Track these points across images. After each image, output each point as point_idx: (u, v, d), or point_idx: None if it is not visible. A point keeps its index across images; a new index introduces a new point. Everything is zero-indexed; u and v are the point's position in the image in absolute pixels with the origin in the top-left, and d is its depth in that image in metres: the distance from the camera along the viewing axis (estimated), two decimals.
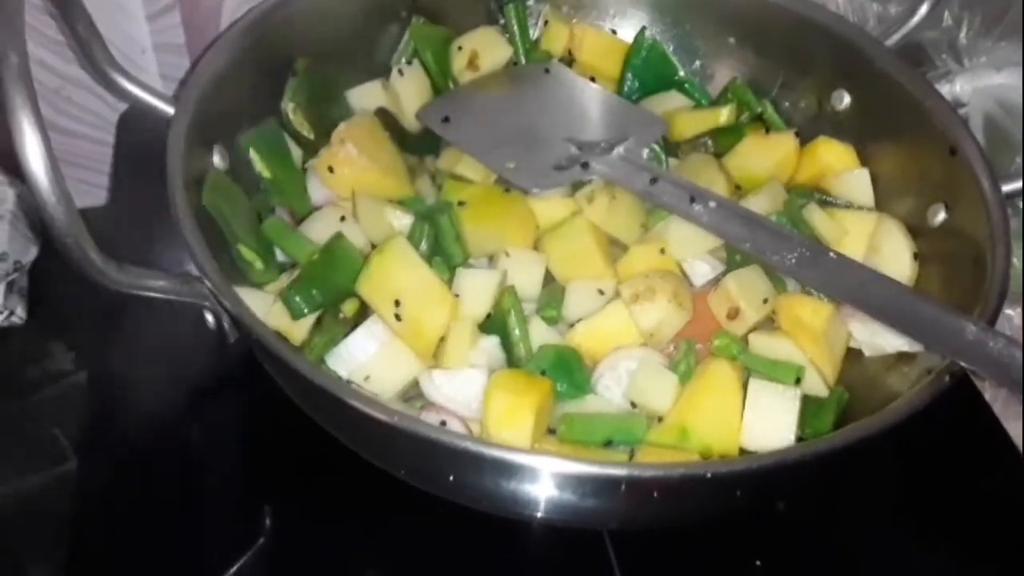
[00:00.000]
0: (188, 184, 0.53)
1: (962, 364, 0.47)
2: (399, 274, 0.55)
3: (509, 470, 0.43)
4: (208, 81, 0.58)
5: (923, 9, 0.67)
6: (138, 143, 0.75)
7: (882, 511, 0.60)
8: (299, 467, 0.58)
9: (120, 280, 0.45)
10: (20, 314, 0.77)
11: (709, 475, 0.43)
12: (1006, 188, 0.58)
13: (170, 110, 0.56)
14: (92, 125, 0.82)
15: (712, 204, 0.58)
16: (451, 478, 0.46)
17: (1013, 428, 0.65)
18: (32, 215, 0.77)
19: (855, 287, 0.52)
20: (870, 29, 0.79)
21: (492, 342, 0.57)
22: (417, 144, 0.67)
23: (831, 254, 0.54)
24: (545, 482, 0.45)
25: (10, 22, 0.41)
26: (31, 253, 0.77)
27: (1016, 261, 0.70)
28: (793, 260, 0.54)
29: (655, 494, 0.45)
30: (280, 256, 0.60)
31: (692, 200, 0.59)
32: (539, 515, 0.48)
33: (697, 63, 0.75)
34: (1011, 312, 0.72)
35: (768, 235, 0.56)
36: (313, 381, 0.44)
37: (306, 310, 0.55)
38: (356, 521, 0.56)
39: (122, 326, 0.66)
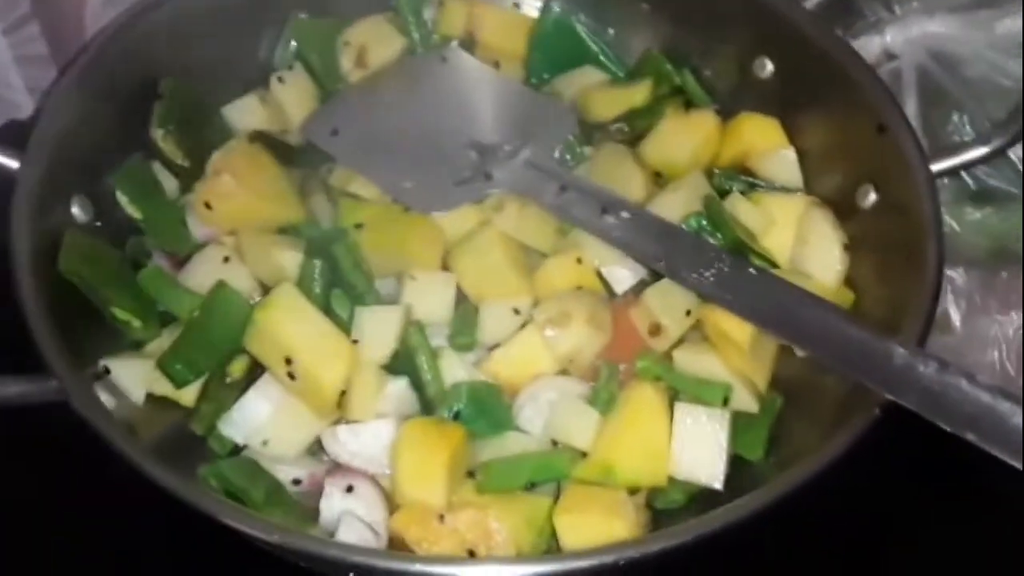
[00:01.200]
0: (39, 253, 0.47)
1: (888, 396, 0.43)
2: (288, 328, 0.50)
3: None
4: (58, 123, 0.52)
5: None
6: None
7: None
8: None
9: None
10: None
11: (621, 562, 0.39)
12: (938, 167, 0.54)
13: (12, 163, 0.50)
14: None
15: (625, 215, 0.54)
16: None
17: None
18: None
19: (776, 311, 0.48)
20: None
21: (401, 385, 0.53)
22: (306, 158, 0.62)
23: (751, 270, 0.50)
24: None
25: None
26: None
27: (956, 226, 0.66)
28: (711, 279, 0.50)
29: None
30: (161, 307, 0.55)
31: (603, 211, 0.54)
32: None
33: (610, 31, 0.69)
34: (953, 274, 0.69)
35: (684, 248, 0.52)
36: (183, 498, 0.40)
37: (189, 378, 0.50)
38: None
39: None
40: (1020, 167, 0.63)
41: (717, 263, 0.50)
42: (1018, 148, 0.64)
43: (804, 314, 0.47)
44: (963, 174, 0.65)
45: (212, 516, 0.39)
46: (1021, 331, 0.70)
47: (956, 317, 0.70)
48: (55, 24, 0.71)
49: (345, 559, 0.39)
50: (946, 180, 0.66)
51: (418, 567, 0.39)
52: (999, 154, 0.55)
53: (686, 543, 0.40)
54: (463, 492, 0.50)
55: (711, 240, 0.55)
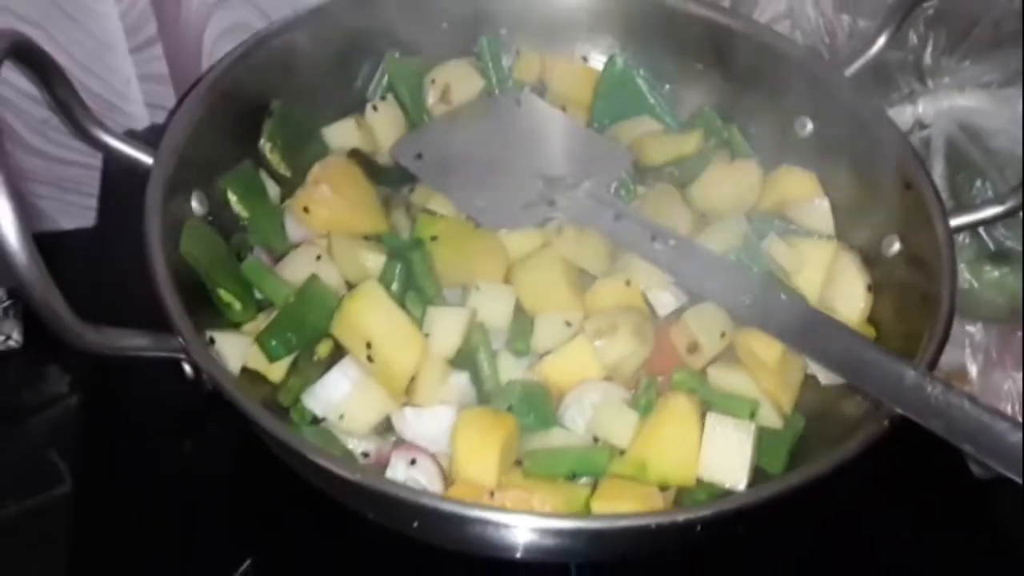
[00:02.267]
0: (166, 235, 0.55)
1: (898, 411, 0.49)
2: (370, 317, 0.57)
3: (462, 521, 0.46)
4: (184, 131, 0.60)
5: (882, 39, 0.69)
6: (124, 170, 0.77)
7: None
8: (282, 501, 0.61)
9: (96, 342, 0.47)
10: (17, 338, 0.80)
11: (654, 526, 0.45)
12: (956, 222, 0.60)
13: (148, 160, 0.58)
14: (80, 151, 0.84)
15: (671, 242, 0.61)
16: (415, 525, 0.49)
17: None
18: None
19: (803, 332, 0.54)
20: (840, 44, 0.80)
21: (462, 378, 0.59)
22: (392, 176, 0.69)
23: (782, 296, 0.56)
24: (501, 529, 0.47)
25: None
26: None
27: (975, 283, 0.72)
28: (747, 302, 0.57)
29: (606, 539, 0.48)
30: (259, 294, 0.62)
31: (653, 238, 0.61)
32: (502, 554, 0.51)
33: (667, 87, 0.76)
34: (971, 328, 0.74)
35: (722, 274, 0.58)
36: (276, 437, 0.47)
37: (282, 353, 0.57)
38: (335, 562, 0.58)
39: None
40: None
41: (751, 290, 0.57)
42: None
43: (828, 337, 0.53)
44: (983, 235, 0.71)
45: (305, 455, 0.46)
46: None
47: (973, 370, 0.75)
48: (176, 48, 0.80)
49: (416, 501, 0.45)
50: (967, 239, 0.72)
51: (478, 512, 0.45)
52: (1012, 214, 0.61)
53: (706, 517, 0.46)
54: (511, 476, 0.56)
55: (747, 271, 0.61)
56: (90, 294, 0.56)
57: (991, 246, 0.71)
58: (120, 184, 0.76)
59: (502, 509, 0.50)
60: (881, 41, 0.69)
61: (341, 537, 0.58)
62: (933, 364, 0.52)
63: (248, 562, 0.58)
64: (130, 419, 0.67)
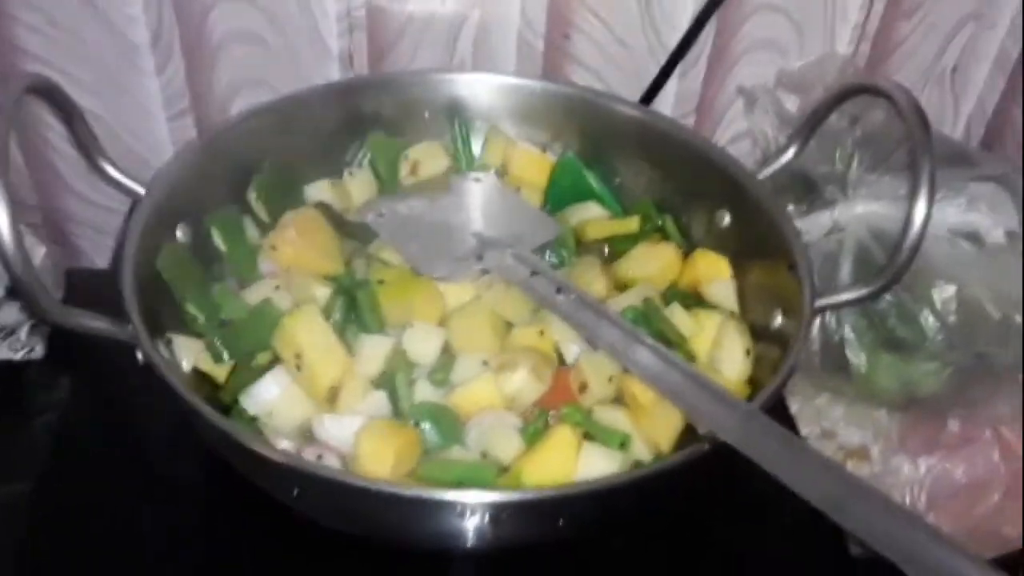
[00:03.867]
0: (144, 248, 0.67)
1: (722, 438, 0.56)
2: (303, 332, 0.67)
3: (328, 486, 0.55)
4: (178, 170, 0.72)
5: (791, 151, 0.78)
6: None
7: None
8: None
9: (60, 316, 0.59)
10: (39, 351, 0.93)
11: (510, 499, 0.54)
12: (820, 302, 0.68)
13: (140, 190, 0.70)
14: (117, 199, 0.98)
15: (572, 296, 0.70)
16: (295, 492, 0.58)
17: None
18: (57, 269, 0.93)
19: (660, 372, 0.62)
20: (772, 153, 0.90)
21: (380, 396, 0.68)
22: (358, 232, 0.81)
23: (648, 341, 0.65)
24: (385, 505, 0.56)
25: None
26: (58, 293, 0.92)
27: (873, 369, 0.79)
28: (620, 347, 0.65)
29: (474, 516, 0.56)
30: (225, 316, 0.73)
31: (558, 291, 0.71)
32: (393, 538, 0.59)
33: (617, 180, 0.87)
34: (877, 414, 0.80)
35: (606, 325, 0.67)
36: (188, 403, 0.57)
37: (225, 356, 0.68)
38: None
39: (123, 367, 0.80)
40: (923, 323, 0.76)
41: (627, 337, 0.65)
42: (925, 308, 0.78)
43: (674, 371, 0.61)
44: (878, 323, 0.78)
45: (241, 443, 0.56)
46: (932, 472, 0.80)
47: (875, 451, 0.81)
48: (205, 118, 0.95)
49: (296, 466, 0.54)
50: (865, 322, 0.79)
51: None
52: (875, 296, 0.68)
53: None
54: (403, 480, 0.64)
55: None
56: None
57: (885, 334, 0.78)
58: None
59: (373, 480, 0.58)
60: (791, 152, 0.79)
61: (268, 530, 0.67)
62: (766, 404, 0.59)
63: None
64: (126, 427, 0.77)
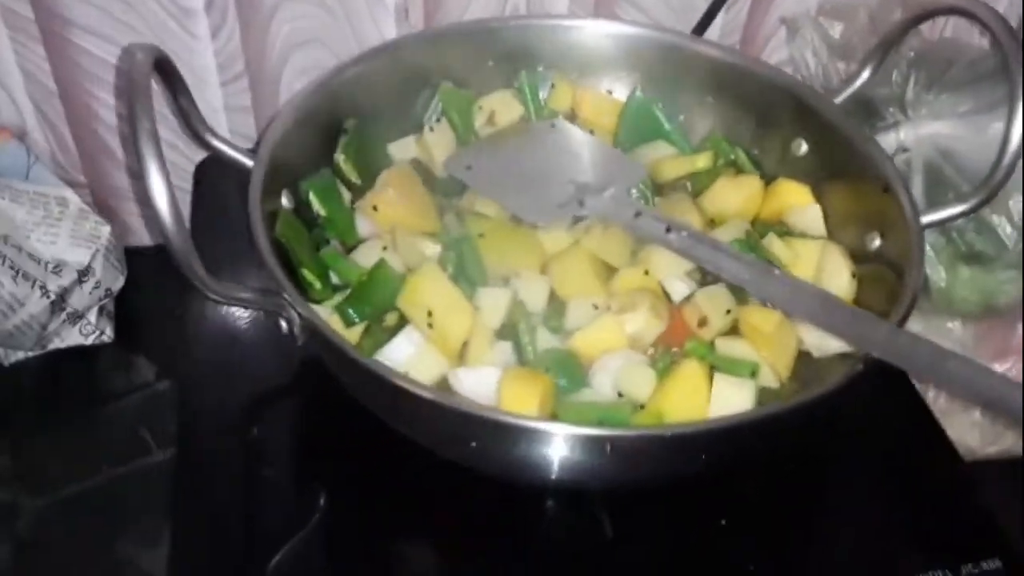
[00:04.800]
0: (264, 220, 0.67)
1: (875, 355, 0.59)
2: (430, 292, 0.68)
3: (514, 432, 0.56)
4: (277, 140, 0.72)
5: (865, 74, 0.80)
6: (212, 188, 0.90)
7: (835, 490, 0.73)
8: (348, 456, 0.71)
9: (218, 291, 0.59)
10: (109, 333, 0.92)
11: (669, 435, 0.56)
12: (926, 219, 0.71)
13: (249, 163, 0.70)
14: (173, 176, 0.97)
15: (684, 234, 0.72)
16: (473, 444, 0.59)
17: (949, 426, 0.76)
18: (120, 249, 0.92)
19: (794, 298, 0.65)
20: (835, 86, 0.92)
21: (506, 346, 0.70)
22: (445, 187, 0.81)
23: (776, 271, 0.67)
24: (547, 443, 0.57)
25: (145, 97, 0.55)
26: (119, 282, 0.92)
27: (951, 282, 0.82)
28: (747, 277, 0.67)
29: (630, 454, 0.58)
30: (334, 279, 0.74)
31: (668, 230, 0.72)
32: (541, 477, 0.61)
33: (681, 117, 0.88)
34: (951, 325, 0.84)
35: (727, 258, 0.69)
36: (364, 365, 0.58)
37: (357, 320, 0.68)
38: (399, 497, 0.69)
39: (198, 344, 0.80)
40: (1001, 234, 0.80)
41: (752, 268, 0.68)
42: (1003, 218, 0.81)
43: (814, 302, 0.64)
44: (957, 239, 0.82)
45: (389, 379, 0.57)
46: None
47: None
48: (259, 82, 0.93)
49: (479, 415, 0.56)
50: (945, 242, 0.83)
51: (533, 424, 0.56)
52: (974, 211, 0.71)
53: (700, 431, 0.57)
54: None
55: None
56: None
57: (964, 249, 0.81)
58: (207, 203, 0.90)
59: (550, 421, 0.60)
60: (865, 75, 0.81)
61: (410, 482, 0.69)
62: (903, 321, 0.62)
63: (322, 501, 0.68)
64: (211, 400, 0.77)
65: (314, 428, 0.75)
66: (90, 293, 0.89)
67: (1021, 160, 0.68)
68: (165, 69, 0.64)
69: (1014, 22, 1.09)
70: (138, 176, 0.97)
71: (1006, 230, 0.79)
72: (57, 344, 0.90)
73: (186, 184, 0.94)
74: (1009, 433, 0.83)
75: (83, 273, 0.87)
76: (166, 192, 0.54)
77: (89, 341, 0.91)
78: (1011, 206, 0.79)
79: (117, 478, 0.83)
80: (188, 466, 0.72)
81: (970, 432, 0.81)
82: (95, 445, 0.86)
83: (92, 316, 0.91)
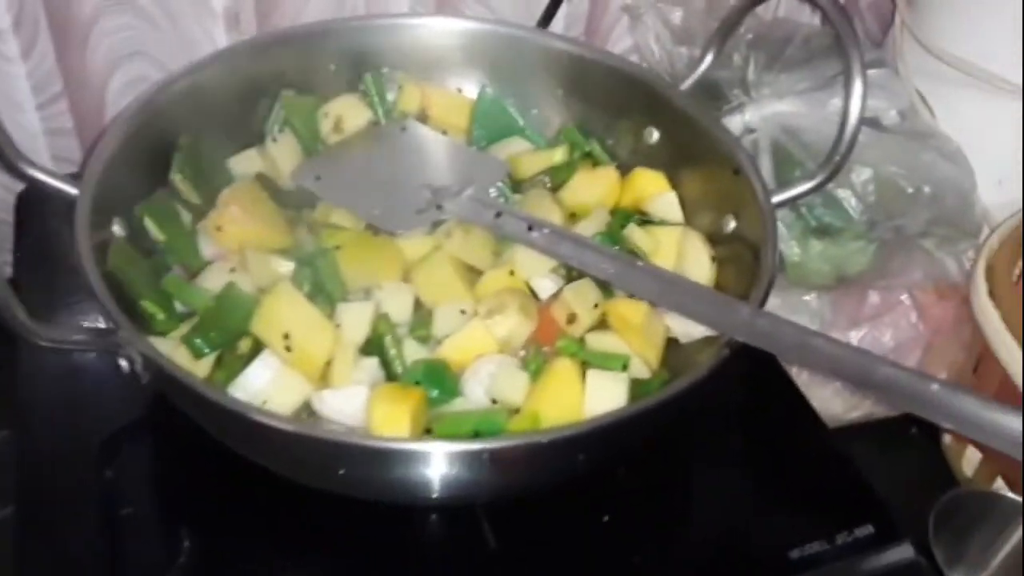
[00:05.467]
0: (94, 252, 0.61)
1: (738, 339, 0.59)
2: (286, 312, 0.64)
3: (382, 457, 0.54)
4: (104, 164, 0.66)
5: (708, 59, 0.81)
6: (36, 220, 0.83)
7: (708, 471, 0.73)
8: (211, 490, 0.67)
9: (47, 336, 0.54)
10: None
11: (546, 441, 0.54)
12: (776, 198, 0.72)
13: (73, 191, 0.65)
14: None
15: (546, 231, 0.71)
16: (341, 472, 0.56)
17: (813, 397, 0.78)
18: None
19: (657, 289, 0.65)
20: (679, 71, 0.93)
21: (372, 362, 0.67)
22: (295, 200, 0.77)
23: (639, 263, 0.67)
24: (417, 463, 0.55)
25: None
26: None
27: (804, 255, 0.84)
28: (612, 271, 0.67)
29: (511, 462, 0.56)
30: (180, 307, 0.69)
31: (530, 228, 0.71)
32: (420, 497, 0.58)
33: (534, 111, 0.87)
34: (807, 298, 0.86)
35: (591, 252, 0.68)
36: (219, 403, 0.54)
37: (206, 350, 0.64)
38: (267, 530, 0.65)
39: (39, 387, 0.74)
40: (847, 207, 0.82)
41: (615, 261, 0.67)
42: (848, 191, 0.84)
43: (677, 290, 0.64)
44: (805, 213, 0.84)
45: (243, 415, 0.53)
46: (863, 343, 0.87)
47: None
48: (80, 102, 0.86)
49: (347, 441, 0.53)
50: (795, 218, 0.85)
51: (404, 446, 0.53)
52: (820, 188, 0.73)
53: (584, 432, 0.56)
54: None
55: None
56: None
57: (813, 223, 0.83)
58: (33, 236, 0.82)
59: (422, 440, 0.58)
60: (707, 60, 0.82)
61: (276, 514, 0.65)
62: (763, 302, 0.63)
63: (185, 544, 0.63)
64: (57, 445, 0.71)
65: (173, 464, 0.70)
66: None
67: (859, 135, 0.70)
68: None
69: None
70: None
71: (851, 203, 0.82)
72: None
73: (9, 216, 0.86)
74: None
75: None
76: None
77: None
78: (854, 179, 0.82)
79: None
80: (31, 521, 0.66)
81: (832, 400, 0.83)
82: None
83: None
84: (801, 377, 0.81)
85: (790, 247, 0.84)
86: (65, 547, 0.64)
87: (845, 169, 0.79)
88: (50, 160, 0.89)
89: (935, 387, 0.52)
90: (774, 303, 0.87)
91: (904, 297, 0.88)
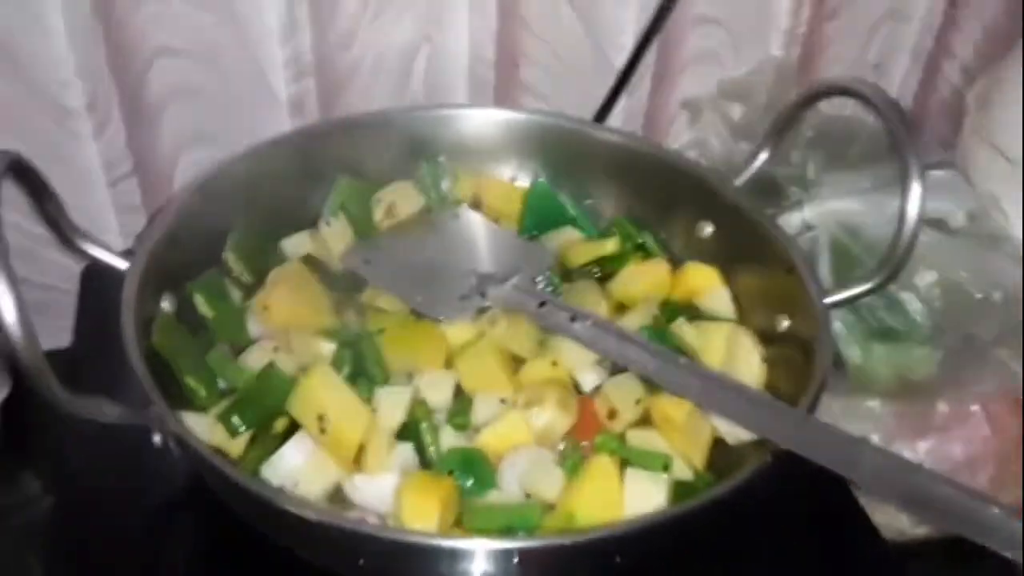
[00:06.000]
0: (140, 327, 0.62)
1: (783, 447, 0.57)
2: (323, 393, 0.64)
3: (407, 551, 0.52)
4: (156, 240, 0.68)
5: (763, 155, 0.80)
6: (99, 293, 0.85)
7: None
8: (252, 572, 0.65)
9: (78, 407, 0.54)
10: None
11: (569, 543, 0.52)
12: (830, 299, 0.69)
13: (124, 266, 0.66)
14: (59, 278, 0.92)
15: (589, 323, 0.69)
16: (361, 562, 0.54)
17: (877, 517, 0.74)
18: (4, 356, 0.86)
19: (700, 389, 0.62)
20: (739, 167, 0.92)
21: (407, 448, 0.66)
22: (343, 282, 0.78)
23: (682, 361, 0.65)
24: (447, 560, 0.53)
25: None
26: (3, 391, 0.85)
27: (866, 359, 0.81)
28: (653, 368, 0.65)
29: (540, 563, 0.54)
30: (222, 384, 0.69)
31: (573, 319, 0.70)
32: None
33: (588, 201, 0.87)
34: (872, 404, 0.82)
35: (633, 347, 0.67)
36: (243, 487, 0.53)
37: (242, 428, 0.64)
38: None
39: (85, 455, 0.74)
40: (909, 310, 0.79)
41: (657, 357, 0.65)
42: (911, 294, 0.81)
43: (718, 388, 0.61)
44: (867, 315, 0.81)
45: (263, 496, 0.52)
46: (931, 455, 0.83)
47: (876, 441, 0.83)
48: (149, 180, 0.89)
49: (372, 534, 0.51)
50: (856, 321, 0.82)
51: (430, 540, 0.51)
52: (878, 289, 0.70)
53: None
54: (453, 532, 0.62)
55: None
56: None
57: (875, 325, 0.80)
58: (94, 309, 0.85)
59: (453, 537, 0.56)
60: (763, 156, 0.81)
61: None
62: (813, 407, 0.60)
63: None
64: (98, 520, 0.71)
65: (209, 547, 0.69)
66: None
67: (919, 236, 0.67)
68: (26, 175, 0.60)
69: (907, 101, 1.12)
70: (25, 282, 0.92)
71: (915, 306, 0.79)
72: None
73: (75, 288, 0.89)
74: None
75: None
76: (13, 305, 0.49)
77: None
78: (916, 282, 0.79)
79: None
80: None
81: (897, 514, 0.78)
82: None
83: None
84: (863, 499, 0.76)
85: (851, 349, 0.81)
86: None
87: (908, 272, 0.76)
88: (119, 235, 0.92)
89: (995, 512, 0.48)
90: (835, 409, 0.84)
91: (976, 408, 0.83)
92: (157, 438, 0.58)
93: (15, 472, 0.83)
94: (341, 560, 0.57)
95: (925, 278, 0.79)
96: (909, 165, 0.67)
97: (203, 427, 0.64)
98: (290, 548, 0.59)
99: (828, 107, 0.94)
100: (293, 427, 0.65)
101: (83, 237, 0.66)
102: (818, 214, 0.86)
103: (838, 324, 0.81)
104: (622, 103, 0.98)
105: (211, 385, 0.67)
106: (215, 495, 0.60)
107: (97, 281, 0.86)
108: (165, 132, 0.87)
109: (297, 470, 0.63)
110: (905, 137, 0.68)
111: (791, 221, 0.87)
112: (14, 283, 0.50)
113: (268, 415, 0.65)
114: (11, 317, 0.49)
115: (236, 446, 0.64)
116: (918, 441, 0.83)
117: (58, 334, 0.93)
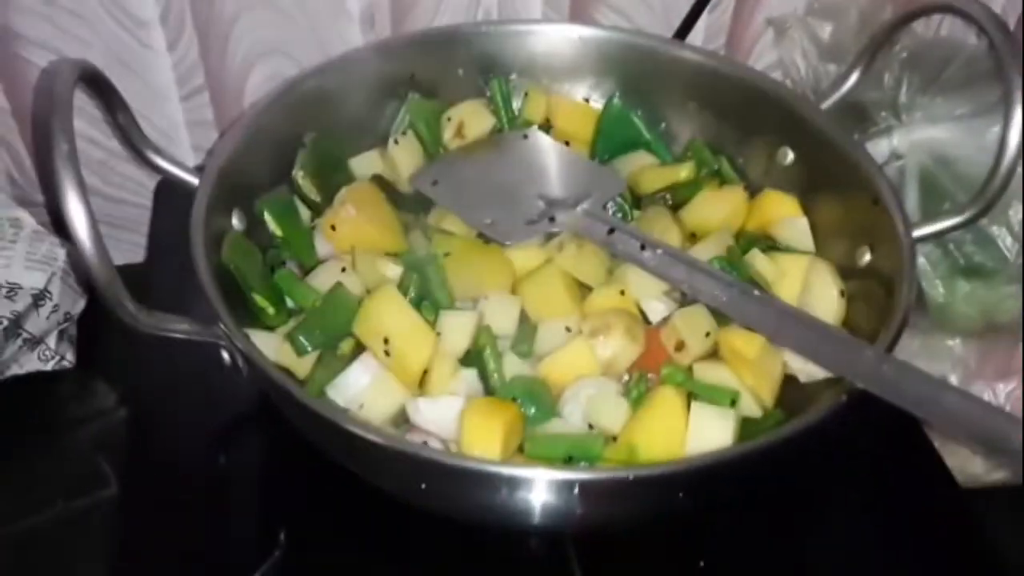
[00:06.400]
0: (209, 244, 0.62)
1: (859, 385, 0.54)
2: (387, 316, 0.64)
3: (469, 477, 0.52)
4: (227, 156, 0.68)
5: (853, 77, 0.76)
6: (171, 208, 0.86)
7: (825, 523, 0.68)
8: (315, 490, 0.66)
9: (148, 323, 0.55)
10: (70, 359, 0.88)
11: (631, 477, 0.51)
12: (918, 232, 0.66)
13: (195, 181, 0.66)
14: (133, 192, 0.93)
15: (659, 251, 0.67)
16: (423, 486, 0.55)
17: (951, 454, 0.72)
18: (80, 271, 0.88)
19: (774, 323, 0.60)
20: (825, 89, 0.88)
21: (471, 374, 0.65)
22: (411, 203, 0.77)
23: (755, 293, 0.63)
24: (507, 488, 0.53)
25: (64, 116, 0.51)
26: (79, 305, 0.88)
27: (950, 297, 0.77)
28: (725, 299, 0.63)
29: (601, 495, 0.53)
30: (290, 303, 0.69)
31: (642, 248, 0.68)
32: (500, 520, 0.56)
33: (662, 125, 0.84)
34: (951, 343, 0.79)
35: (705, 278, 0.65)
36: (307, 406, 0.54)
37: (309, 348, 0.64)
38: (361, 537, 0.65)
39: (158, 369, 0.76)
40: (1001, 246, 0.75)
41: (731, 288, 0.63)
42: (1003, 229, 0.76)
43: (793, 322, 0.59)
44: (953, 250, 0.77)
45: (328, 418, 0.52)
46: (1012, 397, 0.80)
47: (954, 380, 0.80)
48: (220, 95, 0.89)
49: (432, 458, 0.52)
50: (941, 256, 0.78)
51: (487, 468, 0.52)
52: (969, 223, 0.66)
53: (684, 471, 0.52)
54: (515, 459, 0.62)
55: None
56: None
57: (962, 262, 0.76)
58: (168, 224, 0.86)
59: (514, 465, 0.56)
60: (853, 78, 0.77)
61: (368, 521, 0.64)
62: (892, 345, 0.57)
63: (281, 538, 0.64)
64: (169, 429, 0.73)
65: (274, 457, 0.71)
66: (47, 318, 0.85)
67: (1020, 167, 0.63)
68: (98, 85, 0.59)
69: (1012, 20, 1.05)
70: (100, 195, 0.94)
71: (1006, 242, 0.75)
72: (16, 371, 0.86)
73: (148, 202, 0.90)
74: None
75: (39, 297, 0.83)
76: (86, 220, 0.50)
77: (49, 367, 0.87)
78: (1011, 216, 0.74)
79: (74, 512, 0.79)
80: (135, 502, 0.68)
81: (972, 459, 0.76)
82: (51, 476, 0.82)
83: (51, 341, 0.87)
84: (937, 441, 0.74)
85: (934, 286, 0.78)
86: (166, 531, 0.66)
87: (1001, 204, 0.72)
88: (190, 149, 0.93)
89: None
90: (913, 345, 0.81)
91: None
92: (226, 355, 0.59)
93: (90, 384, 0.86)
94: (402, 483, 0.57)
95: (1020, 212, 0.75)
96: (1013, 88, 0.63)
97: (271, 346, 0.64)
98: (353, 470, 0.59)
99: (922, 28, 0.89)
100: (358, 349, 0.65)
101: (155, 151, 0.66)
102: (908, 142, 0.82)
103: (921, 260, 0.78)
104: (704, 20, 0.94)
105: (279, 304, 0.68)
106: (281, 413, 0.61)
107: (170, 197, 0.86)
108: (237, 46, 0.86)
109: (362, 392, 0.63)
110: (1010, 57, 0.63)
111: (879, 149, 0.82)
112: (86, 197, 0.51)
113: (335, 336, 0.66)
114: (83, 232, 0.50)
115: (303, 366, 0.65)
116: (998, 383, 0.80)
117: (133, 249, 0.95)
